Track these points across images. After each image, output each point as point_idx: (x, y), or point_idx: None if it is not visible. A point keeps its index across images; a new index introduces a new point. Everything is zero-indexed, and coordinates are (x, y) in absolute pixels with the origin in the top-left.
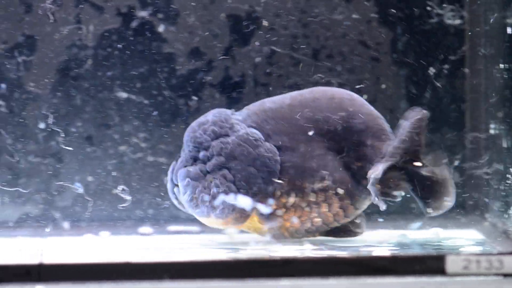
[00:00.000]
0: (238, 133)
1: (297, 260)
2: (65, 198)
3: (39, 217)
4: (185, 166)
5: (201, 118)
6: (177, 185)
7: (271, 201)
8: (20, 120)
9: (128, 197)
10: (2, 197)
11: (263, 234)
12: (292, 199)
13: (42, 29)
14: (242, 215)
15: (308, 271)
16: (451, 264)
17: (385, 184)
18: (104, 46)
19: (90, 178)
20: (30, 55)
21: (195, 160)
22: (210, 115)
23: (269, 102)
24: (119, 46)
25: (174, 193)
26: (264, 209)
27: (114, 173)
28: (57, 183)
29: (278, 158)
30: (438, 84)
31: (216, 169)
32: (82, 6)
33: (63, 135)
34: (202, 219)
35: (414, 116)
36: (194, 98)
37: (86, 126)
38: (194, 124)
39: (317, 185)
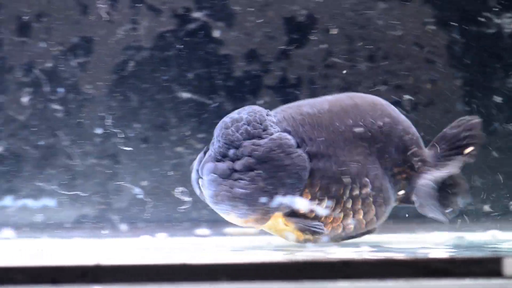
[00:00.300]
0: (271, 136)
1: (354, 262)
2: (122, 199)
3: (96, 218)
4: (213, 161)
5: (235, 114)
6: (202, 178)
7: (301, 203)
8: (78, 121)
9: (188, 199)
10: (60, 198)
11: (285, 237)
12: (324, 205)
13: (98, 31)
14: (263, 216)
15: (365, 273)
16: (508, 266)
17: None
18: (161, 47)
19: (147, 180)
20: (87, 56)
21: (224, 156)
22: (245, 113)
23: (306, 107)
24: (176, 47)
25: (198, 184)
26: (295, 207)
27: (171, 174)
28: (116, 183)
29: (308, 165)
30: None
31: (244, 169)
32: (139, 7)
33: (121, 136)
34: (223, 215)
35: (471, 127)
36: (251, 98)
37: (144, 127)
38: (227, 119)
39: (356, 192)
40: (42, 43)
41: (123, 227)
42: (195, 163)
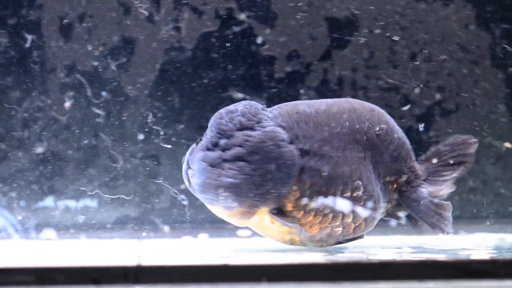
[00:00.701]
0: (264, 129)
1: (395, 264)
2: (163, 200)
3: (138, 219)
4: (204, 150)
5: (231, 107)
6: (191, 167)
7: (289, 200)
8: (119, 122)
9: None
10: (101, 199)
11: (271, 235)
12: (313, 204)
13: (141, 31)
14: (249, 210)
15: (406, 274)
16: None
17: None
18: (203, 48)
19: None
20: (129, 57)
21: (215, 146)
22: (240, 106)
23: (303, 105)
24: (220, 47)
25: (187, 175)
26: (276, 207)
27: None
28: (158, 183)
29: (298, 162)
30: None
31: (234, 159)
32: (181, 8)
33: (164, 137)
34: (208, 206)
35: (466, 146)
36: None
37: (187, 127)
38: (222, 110)
39: (347, 194)
40: (84, 44)
41: (165, 227)
42: (187, 154)
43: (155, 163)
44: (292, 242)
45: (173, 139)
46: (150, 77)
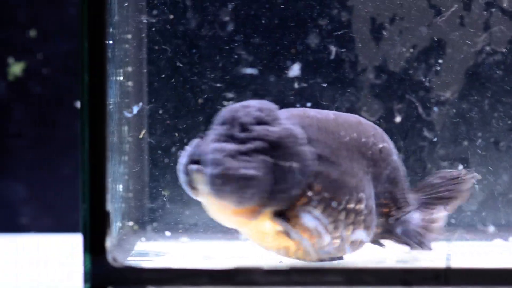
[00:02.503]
0: (283, 126)
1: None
2: (472, 201)
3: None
4: (219, 142)
5: (243, 102)
6: (196, 162)
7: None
8: (421, 125)
9: None
10: None
11: (264, 242)
12: (318, 211)
13: (451, 33)
14: (261, 208)
15: None
16: None
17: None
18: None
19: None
20: (440, 59)
21: (231, 138)
22: (253, 102)
23: (313, 111)
24: None
25: (185, 169)
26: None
27: None
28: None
29: (314, 164)
30: None
31: (254, 152)
32: (492, 11)
33: (473, 140)
34: (215, 200)
35: (460, 181)
36: None
37: (495, 131)
38: (235, 105)
39: (351, 205)
40: (394, 44)
41: (476, 229)
42: (187, 148)
43: (465, 166)
44: (286, 252)
45: (482, 142)
46: (461, 80)
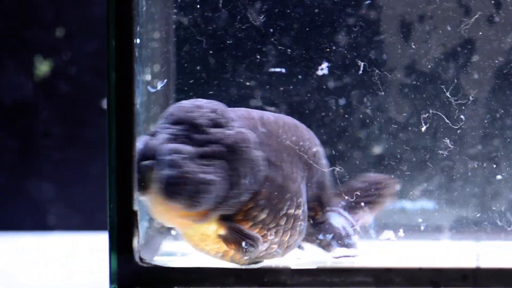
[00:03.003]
0: (237, 129)
1: None
2: (500, 201)
3: (475, 221)
4: (176, 143)
5: (195, 101)
6: (148, 160)
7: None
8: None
9: None
10: (439, 201)
11: (203, 246)
12: (263, 216)
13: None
14: (212, 211)
15: None
16: None
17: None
18: None
19: None
20: (469, 59)
21: (188, 139)
22: (204, 102)
23: (254, 112)
24: None
25: (137, 167)
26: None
27: None
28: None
29: (265, 168)
30: None
31: (212, 156)
32: None
33: (507, 140)
34: (165, 202)
35: (386, 187)
36: None
37: None
38: (186, 103)
39: (291, 210)
40: (422, 44)
41: (503, 229)
42: (137, 145)
43: (494, 165)
44: (223, 256)
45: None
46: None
